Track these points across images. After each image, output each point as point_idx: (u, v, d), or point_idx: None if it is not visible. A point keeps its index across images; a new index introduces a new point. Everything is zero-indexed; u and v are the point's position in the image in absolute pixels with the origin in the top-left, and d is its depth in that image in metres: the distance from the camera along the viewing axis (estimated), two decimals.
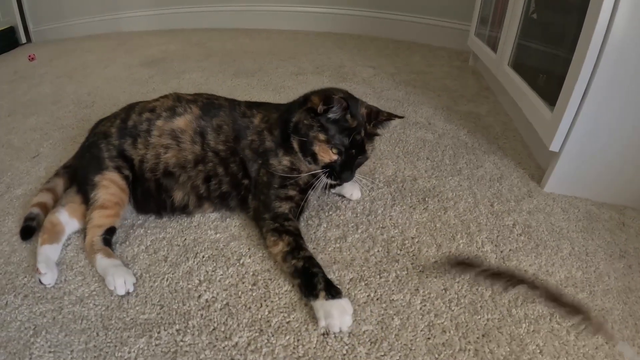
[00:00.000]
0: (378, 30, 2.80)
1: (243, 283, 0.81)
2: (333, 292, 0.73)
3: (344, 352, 0.68)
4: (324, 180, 0.89)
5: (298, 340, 0.69)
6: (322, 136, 0.86)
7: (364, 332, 0.71)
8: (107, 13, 3.16)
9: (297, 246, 0.82)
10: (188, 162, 0.94)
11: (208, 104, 0.98)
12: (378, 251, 0.89)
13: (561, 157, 1.06)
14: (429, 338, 0.70)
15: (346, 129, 0.85)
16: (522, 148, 1.34)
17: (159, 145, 0.94)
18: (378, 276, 0.83)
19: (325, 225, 0.97)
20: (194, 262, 0.86)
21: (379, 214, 1.01)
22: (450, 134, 1.43)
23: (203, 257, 0.87)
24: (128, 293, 0.78)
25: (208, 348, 0.68)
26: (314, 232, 0.94)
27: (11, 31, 3.01)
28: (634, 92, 0.94)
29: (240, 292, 0.79)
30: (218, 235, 0.93)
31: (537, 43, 1.45)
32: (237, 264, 0.85)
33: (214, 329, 0.72)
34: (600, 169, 1.06)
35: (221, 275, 0.83)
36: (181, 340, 0.69)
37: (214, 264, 0.85)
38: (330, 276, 0.80)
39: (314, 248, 0.89)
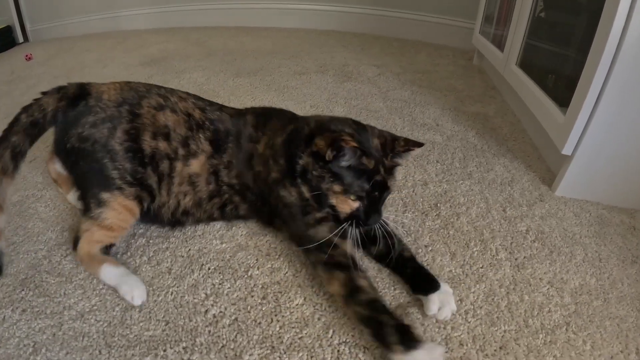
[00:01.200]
0: (382, 28, 2.76)
1: (252, 297, 0.78)
2: (410, 343, 0.63)
3: None
4: (352, 232, 0.78)
5: (312, 357, 0.67)
6: (337, 187, 0.76)
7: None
8: (104, 11, 3.11)
9: (353, 287, 0.70)
10: (203, 200, 0.90)
11: (215, 131, 0.89)
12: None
13: (573, 161, 1.03)
14: (446, 352, 0.68)
15: (364, 173, 0.75)
16: (531, 150, 1.31)
17: (179, 193, 0.89)
18: (393, 288, 0.80)
19: None
20: (199, 274, 0.83)
21: (391, 221, 0.97)
22: (458, 135, 1.40)
23: (209, 269, 0.84)
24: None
25: None
26: None
27: (8, 30, 2.96)
28: None
29: (249, 307, 0.76)
30: (224, 245, 0.90)
31: (545, 42, 1.42)
32: (245, 276, 0.82)
33: (222, 347, 0.68)
34: (612, 172, 1.03)
35: (228, 288, 0.80)
36: (189, 359, 0.66)
37: (221, 277, 0.82)
38: None
39: None
